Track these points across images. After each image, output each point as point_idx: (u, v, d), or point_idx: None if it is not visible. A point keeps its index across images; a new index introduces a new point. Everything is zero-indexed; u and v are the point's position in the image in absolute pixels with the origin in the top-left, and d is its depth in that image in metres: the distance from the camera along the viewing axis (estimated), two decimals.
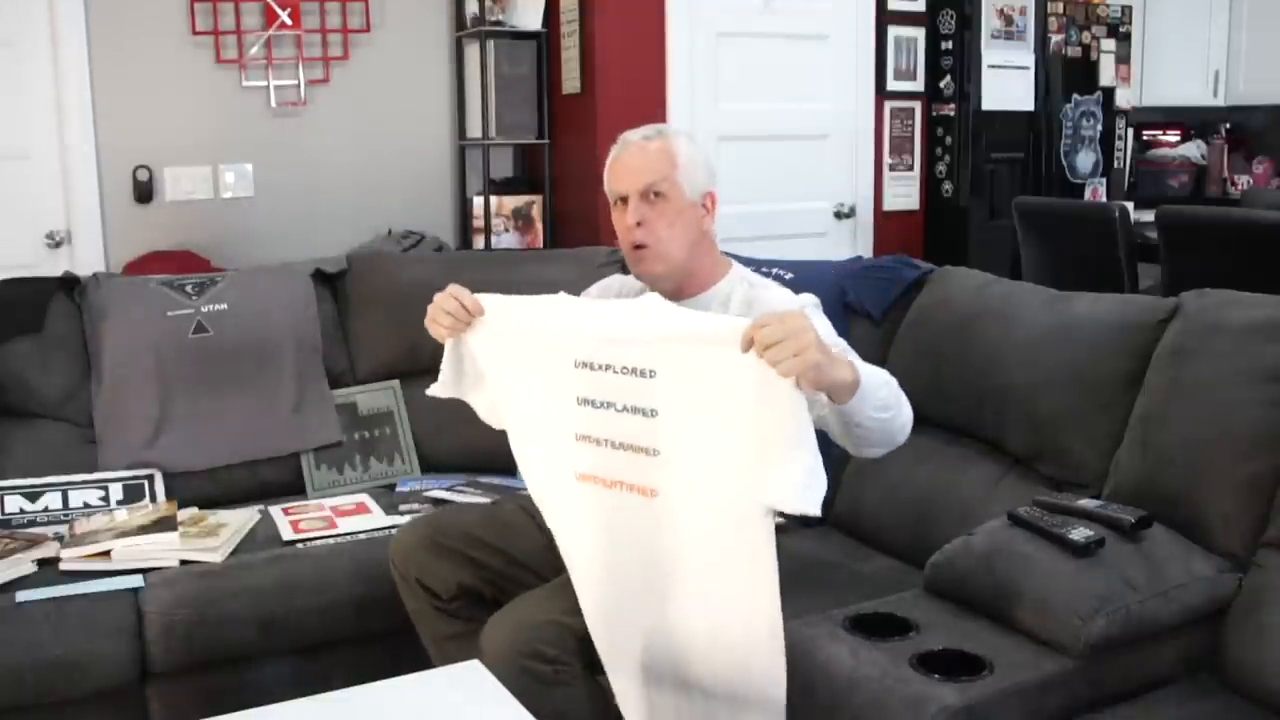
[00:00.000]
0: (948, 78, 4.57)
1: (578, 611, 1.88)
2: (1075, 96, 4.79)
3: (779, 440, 1.57)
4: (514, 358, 1.86)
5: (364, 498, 2.77)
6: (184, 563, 2.36)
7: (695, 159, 2.05)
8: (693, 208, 2.03)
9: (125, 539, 2.36)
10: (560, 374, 1.77)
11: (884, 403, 1.78)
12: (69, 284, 2.93)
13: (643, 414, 1.69)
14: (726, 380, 1.59)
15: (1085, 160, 4.85)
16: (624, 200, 2.02)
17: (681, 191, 2.01)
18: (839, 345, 1.84)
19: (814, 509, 1.56)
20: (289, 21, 3.85)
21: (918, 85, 4.60)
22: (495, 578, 2.16)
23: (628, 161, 2.04)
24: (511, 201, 4.07)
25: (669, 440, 1.68)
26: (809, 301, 2.01)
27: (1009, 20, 4.58)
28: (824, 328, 1.91)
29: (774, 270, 2.73)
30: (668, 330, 1.67)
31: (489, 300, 1.89)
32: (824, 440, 1.82)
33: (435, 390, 1.99)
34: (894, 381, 1.83)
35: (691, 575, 1.72)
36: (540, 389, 1.82)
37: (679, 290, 2.02)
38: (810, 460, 1.57)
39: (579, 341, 1.76)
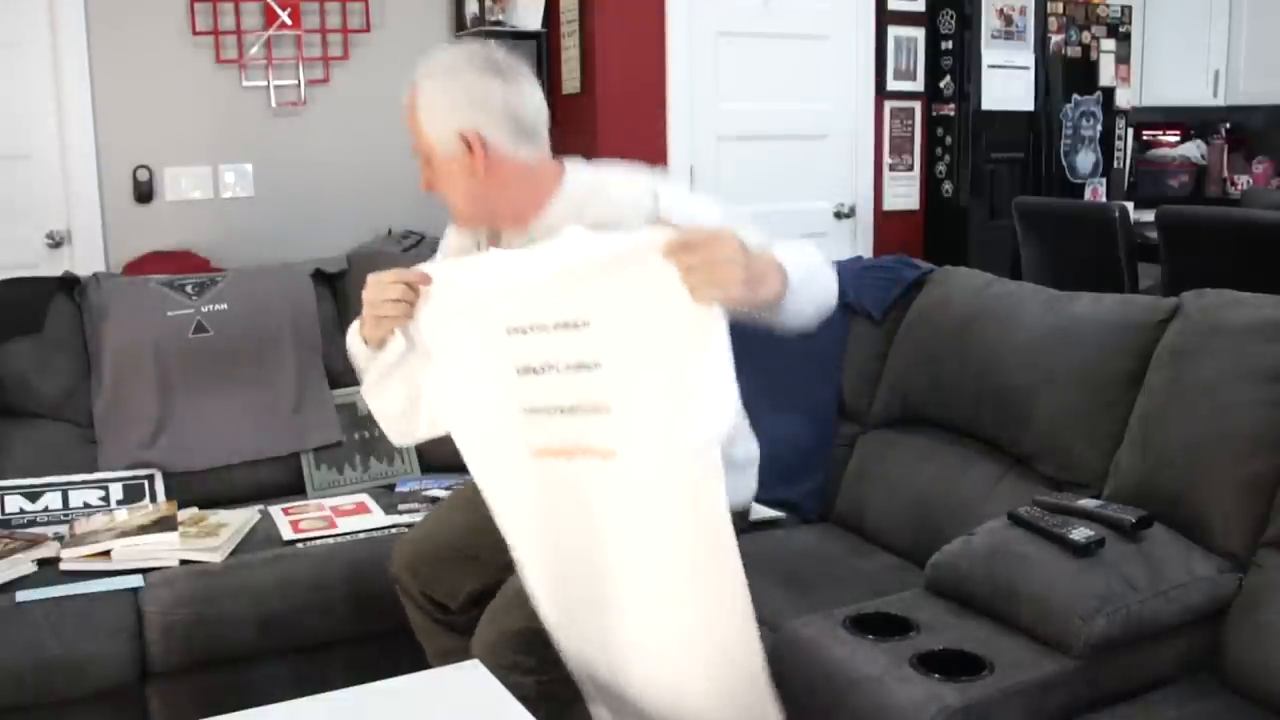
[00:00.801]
0: (948, 78, 4.56)
1: None
2: (1075, 96, 4.79)
3: (704, 370, 1.53)
4: (460, 334, 1.75)
5: (364, 498, 2.77)
6: (184, 563, 2.36)
7: (435, 107, 1.85)
8: (451, 162, 1.86)
9: (125, 539, 2.36)
10: (495, 345, 1.69)
11: (807, 288, 1.64)
12: (69, 284, 2.93)
13: (586, 369, 1.63)
14: (658, 309, 1.54)
15: (1085, 160, 4.84)
16: None
17: (435, 151, 1.88)
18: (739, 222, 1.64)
19: (725, 426, 1.55)
20: (289, 21, 3.85)
21: (918, 85, 4.60)
22: (501, 573, 2.11)
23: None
24: None
25: (619, 393, 1.62)
26: (656, 178, 1.86)
27: (1009, 20, 4.57)
28: (721, 211, 1.79)
29: None
30: (592, 256, 1.59)
31: (428, 267, 1.78)
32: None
33: (396, 441, 1.93)
34: (815, 257, 1.69)
35: (650, 562, 1.65)
36: (483, 368, 1.73)
37: (512, 228, 1.91)
38: (726, 379, 1.54)
39: (506, 304, 1.68)
